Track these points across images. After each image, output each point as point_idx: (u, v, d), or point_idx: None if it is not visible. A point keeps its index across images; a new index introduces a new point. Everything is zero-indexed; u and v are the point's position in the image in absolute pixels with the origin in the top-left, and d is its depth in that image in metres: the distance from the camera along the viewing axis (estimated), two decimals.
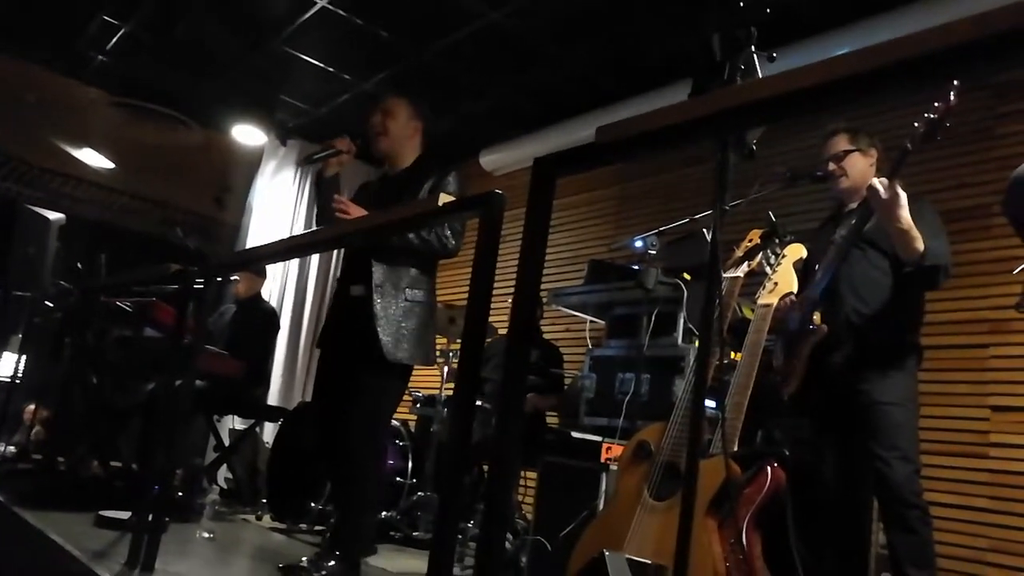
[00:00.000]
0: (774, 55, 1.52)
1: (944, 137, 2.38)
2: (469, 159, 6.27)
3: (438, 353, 4.57)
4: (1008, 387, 3.33)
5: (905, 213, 2.42)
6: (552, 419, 4.61)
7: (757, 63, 1.50)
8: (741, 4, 1.54)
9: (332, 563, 2.67)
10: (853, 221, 2.64)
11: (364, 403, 2.79)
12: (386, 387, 2.84)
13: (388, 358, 2.75)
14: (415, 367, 2.93)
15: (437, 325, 2.96)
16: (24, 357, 4.63)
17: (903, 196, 2.42)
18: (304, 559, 2.71)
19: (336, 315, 2.99)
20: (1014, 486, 3.21)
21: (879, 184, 2.41)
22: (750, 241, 2.62)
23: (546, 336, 4.90)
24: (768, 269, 2.61)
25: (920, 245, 2.45)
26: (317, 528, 3.71)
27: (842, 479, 2.61)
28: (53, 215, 4.29)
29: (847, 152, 2.74)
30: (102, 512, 3.00)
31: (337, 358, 2.93)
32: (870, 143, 2.79)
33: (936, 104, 2.33)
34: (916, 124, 2.37)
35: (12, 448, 4.94)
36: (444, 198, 1.69)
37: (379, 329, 2.75)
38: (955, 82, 2.28)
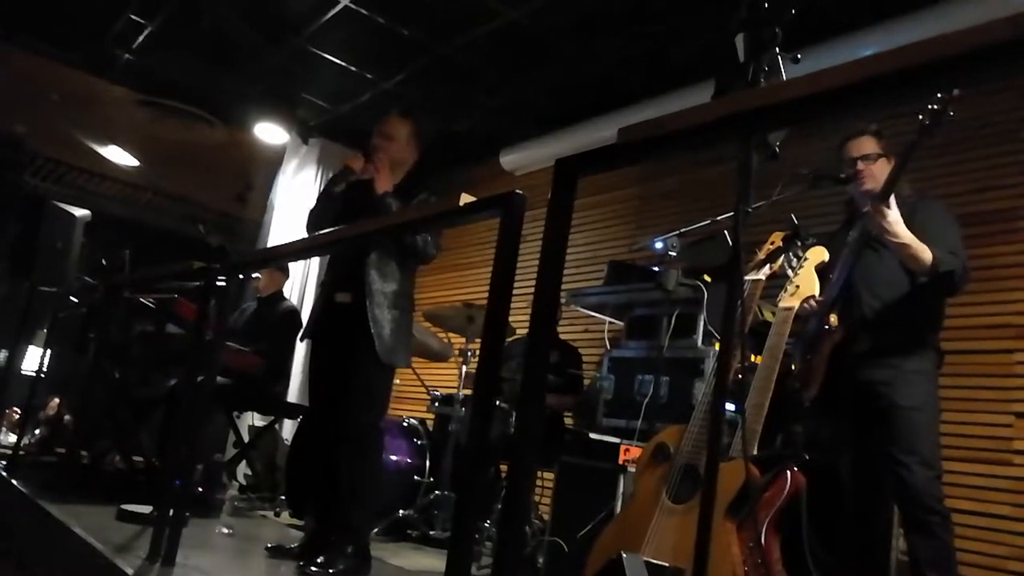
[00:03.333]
0: (799, 56, 1.51)
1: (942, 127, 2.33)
2: (489, 158, 6.27)
3: (457, 352, 4.60)
4: None
5: (900, 228, 2.40)
6: (569, 420, 4.60)
7: (781, 64, 1.49)
8: (766, 4, 1.53)
9: (345, 557, 2.72)
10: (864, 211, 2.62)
11: (363, 397, 2.88)
12: (378, 385, 2.94)
13: (384, 360, 2.86)
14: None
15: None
16: (48, 351, 4.69)
17: (894, 212, 2.39)
18: (294, 544, 2.85)
19: (321, 321, 3.05)
20: None
21: (875, 207, 2.39)
22: (772, 244, 2.60)
23: (564, 337, 4.89)
24: (790, 272, 2.60)
25: (928, 256, 2.42)
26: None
27: (861, 483, 2.58)
28: (79, 211, 4.35)
29: (878, 156, 2.70)
30: (124, 506, 3.04)
31: (329, 362, 3.01)
32: (889, 148, 2.76)
33: (939, 95, 2.29)
34: (920, 116, 2.33)
35: (36, 441, 5.01)
36: (464, 198, 1.69)
37: (375, 336, 2.84)
38: None
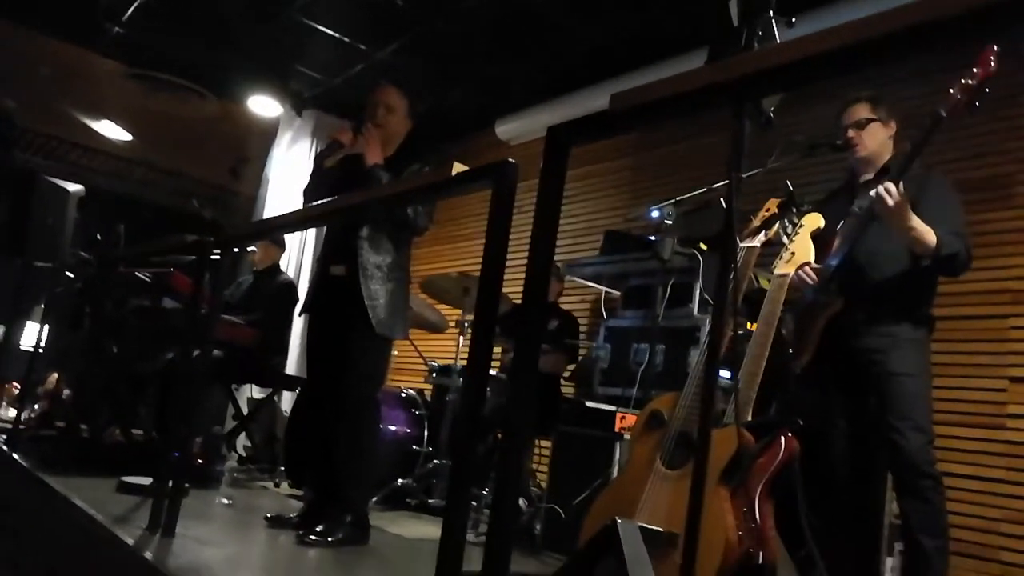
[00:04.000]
0: (793, 20, 1.50)
1: (980, 104, 2.27)
2: (485, 129, 6.23)
3: (453, 323, 4.60)
4: None
5: (906, 212, 2.39)
6: (567, 389, 4.62)
7: (775, 28, 1.47)
8: None
9: (344, 526, 2.75)
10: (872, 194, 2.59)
11: (360, 369, 2.88)
12: (374, 356, 2.94)
13: (379, 332, 2.85)
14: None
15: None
16: (46, 327, 4.69)
17: (899, 199, 2.38)
18: (293, 514, 2.88)
19: (319, 293, 3.06)
20: None
21: (884, 192, 2.37)
22: (767, 211, 2.59)
23: (562, 307, 4.90)
24: (785, 239, 2.59)
25: (932, 239, 2.40)
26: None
27: (854, 449, 2.60)
28: (72, 186, 4.32)
29: (869, 120, 2.69)
30: (124, 478, 3.06)
31: (323, 335, 3.03)
32: (889, 114, 2.73)
33: (975, 70, 2.24)
34: (952, 91, 2.28)
35: (36, 415, 5.02)
36: (457, 168, 1.68)
37: (369, 308, 2.83)
38: (995, 47, 2.21)
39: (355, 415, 2.87)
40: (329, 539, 2.70)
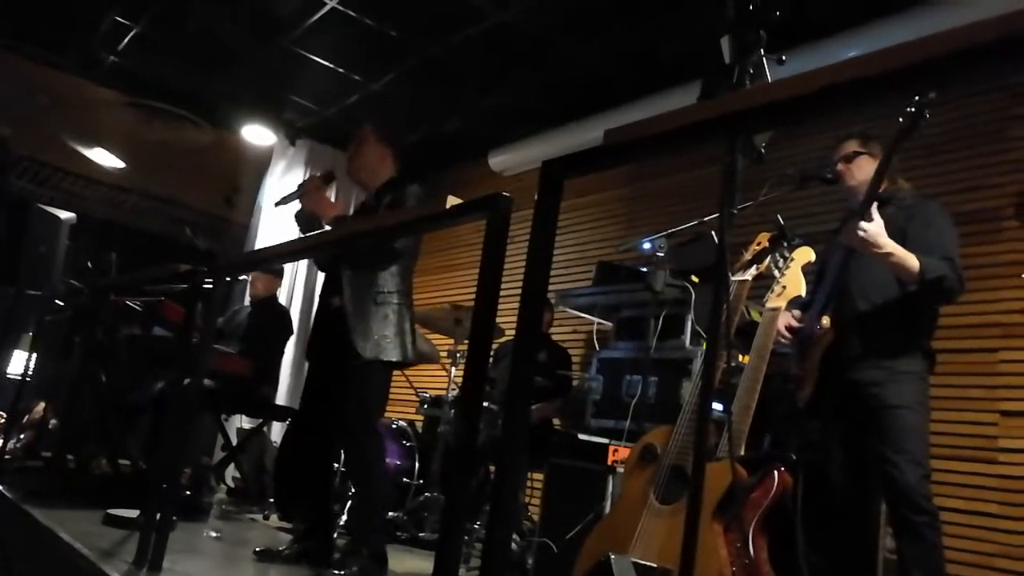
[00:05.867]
0: (783, 58, 1.52)
1: (929, 133, 2.33)
2: (478, 159, 6.27)
3: (444, 354, 4.59)
4: (1018, 391, 3.30)
5: (882, 240, 2.40)
6: (557, 422, 4.60)
7: (766, 66, 1.50)
8: (751, 7, 1.54)
9: (361, 560, 2.74)
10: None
11: (353, 401, 2.88)
12: (368, 384, 2.92)
13: (366, 357, 2.85)
14: (407, 368, 3.08)
15: (412, 324, 3.08)
16: (34, 355, 4.66)
17: (874, 224, 2.40)
18: (283, 547, 2.88)
19: (320, 327, 3.10)
20: (1023, 491, 3.19)
21: (859, 229, 2.40)
22: (758, 244, 2.61)
23: (553, 338, 4.90)
24: (776, 272, 2.60)
25: (914, 264, 2.41)
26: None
27: (851, 483, 2.59)
28: (64, 214, 4.32)
29: (857, 153, 2.73)
30: (110, 510, 3.02)
31: (322, 367, 3.05)
32: (880, 148, 2.77)
33: (916, 98, 2.29)
34: (900, 119, 2.33)
35: (22, 445, 4.97)
36: (451, 200, 1.69)
37: (354, 337, 2.84)
38: None
39: (358, 447, 2.88)
40: (344, 573, 2.68)
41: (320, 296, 3.21)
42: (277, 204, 3.27)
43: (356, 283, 2.93)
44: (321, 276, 6.71)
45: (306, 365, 6.40)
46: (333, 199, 3.26)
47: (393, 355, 2.92)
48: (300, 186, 3.16)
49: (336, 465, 3.66)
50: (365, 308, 2.90)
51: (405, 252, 2.99)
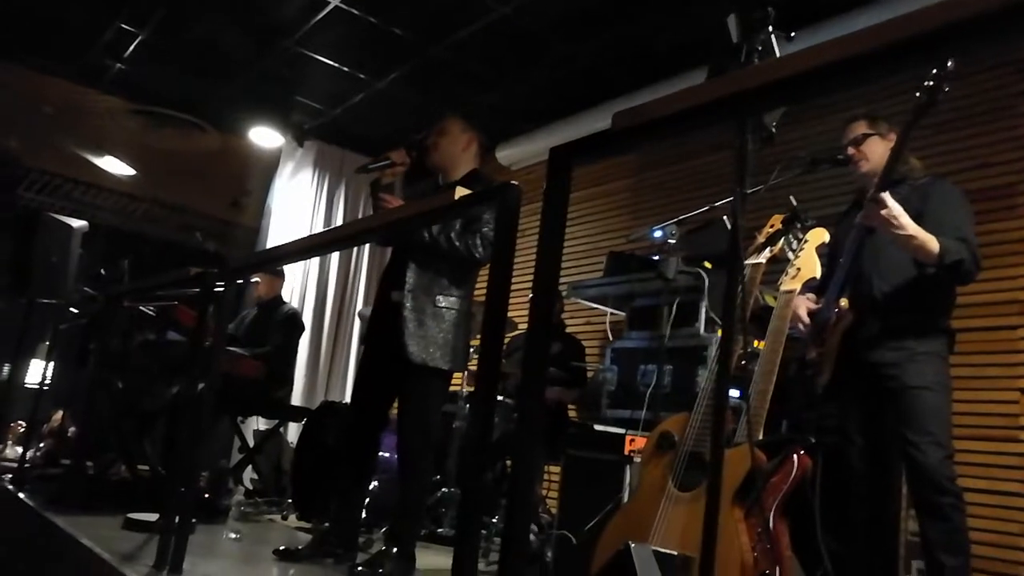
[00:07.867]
0: (792, 35, 1.50)
1: (946, 104, 2.29)
2: (485, 154, 6.24)
3: None
4: None
5: (904, 220, 2.38)
6: (574, 413, 4.59)
7: (775, 43, 1.47)
8: None
9: (392, 559, 2.73)
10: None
11: (408, 406, 2.87)
12: (425, 390, 2.87)
13: (414, 361, 2.79)
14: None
15: (468, 330, 3.01)
16: (51, 364, 4.68)
17: (895, 206, 2.37)
18: (302, 546, 2.87)
19: (378, 317, 3.03)
20: None
21: (879, 202, 2.37)
22: (771, 227, 2.58)
23: (567, 330, 4.88)
24: (790, 255, 2.58)
25: (934, 246, 2.39)
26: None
27: (872, 465, 2.57)
28: (76, 222, 4.33)
29: (866, 136, 2.70)
30: (130, 515, 3.03)
31: (378, 359, 2.99)
32: (889, 128, 2.74)
33: (934, 71, 2.26)
34: (917, 94, 2.30)
35: (41, 454, 5.00)
36: (460, 192, 1.68)
37: (407, 334, 2.79)
38: None
39: (409, 462, 2.85)
40: (380, 571, 2.68)
41: (380, 284, 3.11)
42: (357, 171, 3.16)
43: (420, 279, 2.86)
44: (333, 277, 6.83)
45: (321, 365, 6.50)
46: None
47: (442, 363, 2.85)
48: (385, 157, 3.04)
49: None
50: (424, 307, 2.84)
51: (484, 263, 2.88)
